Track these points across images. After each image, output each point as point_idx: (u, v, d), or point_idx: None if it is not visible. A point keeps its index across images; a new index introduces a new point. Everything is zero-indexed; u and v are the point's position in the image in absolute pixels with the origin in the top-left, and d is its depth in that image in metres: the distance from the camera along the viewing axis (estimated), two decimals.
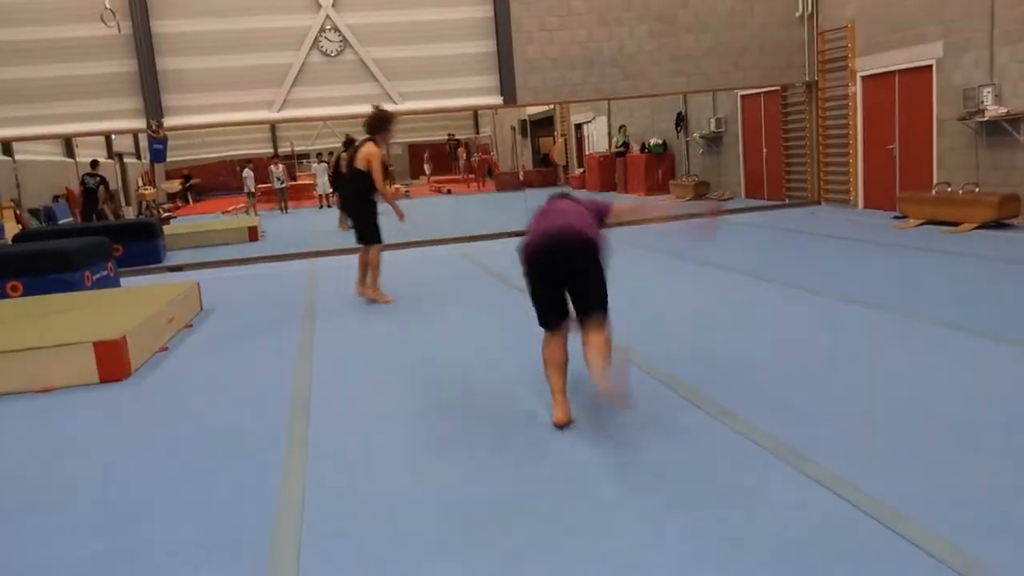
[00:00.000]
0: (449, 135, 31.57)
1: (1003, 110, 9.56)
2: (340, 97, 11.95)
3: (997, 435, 3.31)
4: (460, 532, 2.80)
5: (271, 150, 32.08)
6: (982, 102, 9.77)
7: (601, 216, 3.95)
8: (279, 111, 11.97)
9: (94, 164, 17.45)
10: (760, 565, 2.43)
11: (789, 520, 2.69)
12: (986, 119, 9.74)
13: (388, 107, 12.01)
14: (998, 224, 9.23)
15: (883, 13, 11.58)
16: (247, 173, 21.65)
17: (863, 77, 12.23)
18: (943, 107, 10.65)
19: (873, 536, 2.55)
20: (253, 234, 14.20)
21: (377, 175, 7.08)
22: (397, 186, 23.67)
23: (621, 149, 20.24)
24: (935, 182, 10.73)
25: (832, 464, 3.09)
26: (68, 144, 21.52)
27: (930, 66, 10.82)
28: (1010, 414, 3.52)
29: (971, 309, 5.47)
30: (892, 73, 11.59)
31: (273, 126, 31.74)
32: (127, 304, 6.47)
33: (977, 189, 9.84)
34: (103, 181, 16.74)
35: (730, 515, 2.76)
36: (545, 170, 26.81)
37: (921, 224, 10.00)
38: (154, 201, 23.41)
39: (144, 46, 11.17)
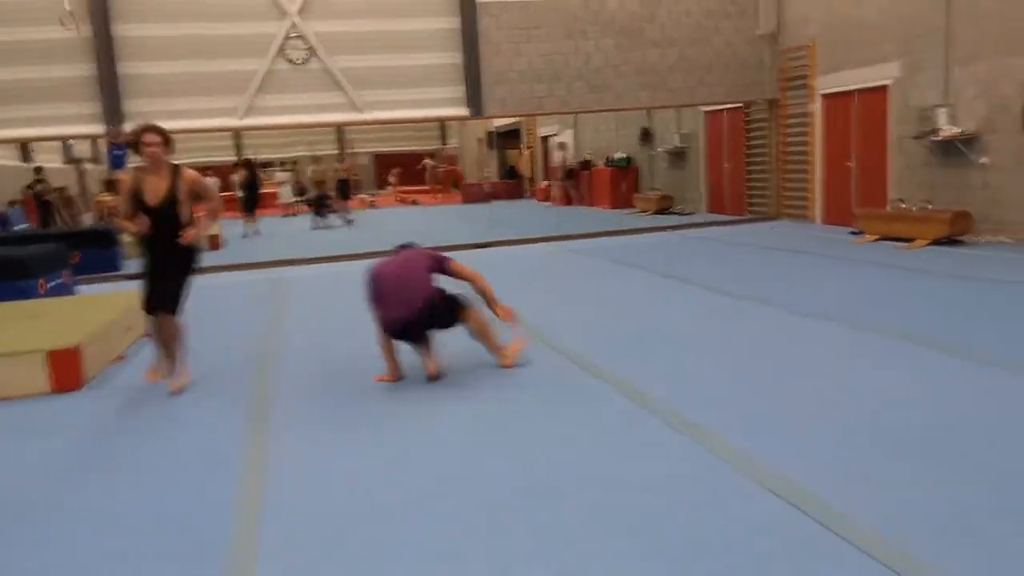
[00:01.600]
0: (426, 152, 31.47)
1: (956, 130, 9.81)
2: (306, 105, 11.90)
3: (950, 445, 3.38)
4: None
5: (234, 158, 31.74)
6: (936, 122, 10.02)
7: (440, 270, 4.92)
8: (243, 118, 11.87)
9: (37, 171, 17.41)
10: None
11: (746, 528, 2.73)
12: (940, 138, 9.99)
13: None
14: (950, 240, 9.46)
15: (843, 33, 11.85)
16: (210, 182, 20.98)
17: (823, 95, 12.49)
18: (899, 126, 10.91)
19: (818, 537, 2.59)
20: (214, 243, 14.01)
21: (121, 206, 4.92)
22: (363, 196, 23.55)
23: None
24: (890, 199, 10.98)
25: (785, 470, 3.13)
26: (24, 149, 21.07)
27: (887, 86, 11.09)
28: (958, 423, 3.61)
29: (921, 322, 5.59)
30: (851, 92, 11.86)
31: (237, 134, 31.44)
32: (82, 312, 6.34)
33: (930, 206, 10.08)
34: (39, 184, 16.80)
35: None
36: (511, 182, 26.91)
37: (877, 240, 10.22)
38: (114, 208, 22.95)
39: (104, 50, 11.01)
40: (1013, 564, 2.44)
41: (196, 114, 11.62)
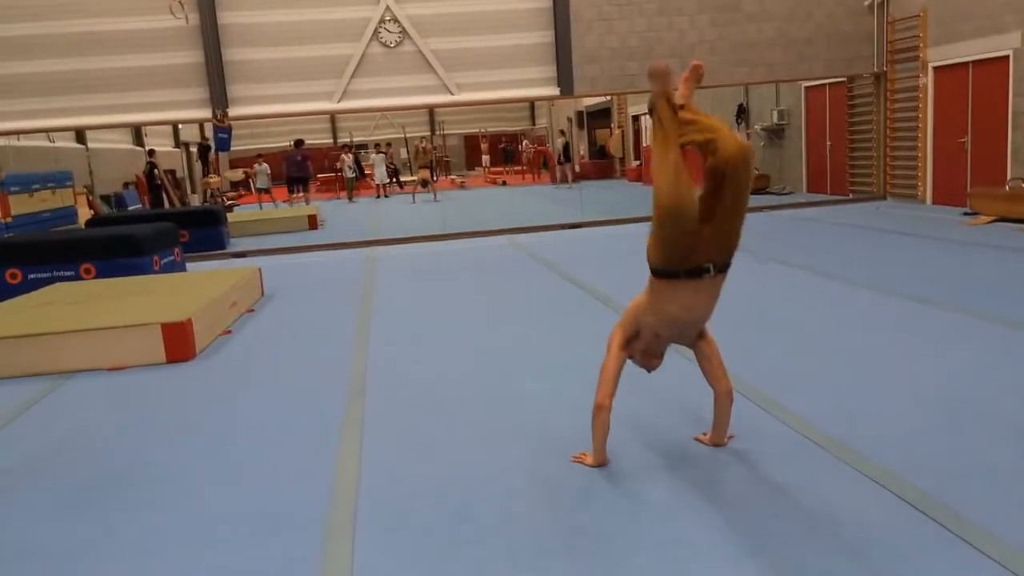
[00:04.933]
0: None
1: None
2: (399, 88, 12.07)
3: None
4: (508, 516, 2.82)
5: (331, 140, 32.61)
6: None
7: None
8: (339, 102, 12.15)
9: (150, 153, 18.31)
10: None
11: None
12: None
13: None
14: None
15: (957, 2, 11.17)
16: (261, 167, 20.83)
17: (935, 68, 11.82)
18: (1020, 99, 10.23)
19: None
20: (313, 222, 14.45)
21: None
22: (452, 177, 23.80)
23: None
24: (1009, 177, 10.32)
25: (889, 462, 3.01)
26: (137, 133, 22.20)
27: (1007, 56, 10.40)
28: None
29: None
30: (966, 64, 11.18)
31: (333, 117, 32.27)
32: (192, 288, 6.66)
33: None
34: (154, 166, 17.69)
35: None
36: (601, 162, 26.65)
37: (993, 221, 9.65)
38: (218, 189, 24.00)
39: (210, 37, 11.44)
40: None
41: (294, 98, 11.95)
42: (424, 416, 4.00)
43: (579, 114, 28.31)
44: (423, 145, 23.81)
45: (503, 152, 28.58)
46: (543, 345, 5.25)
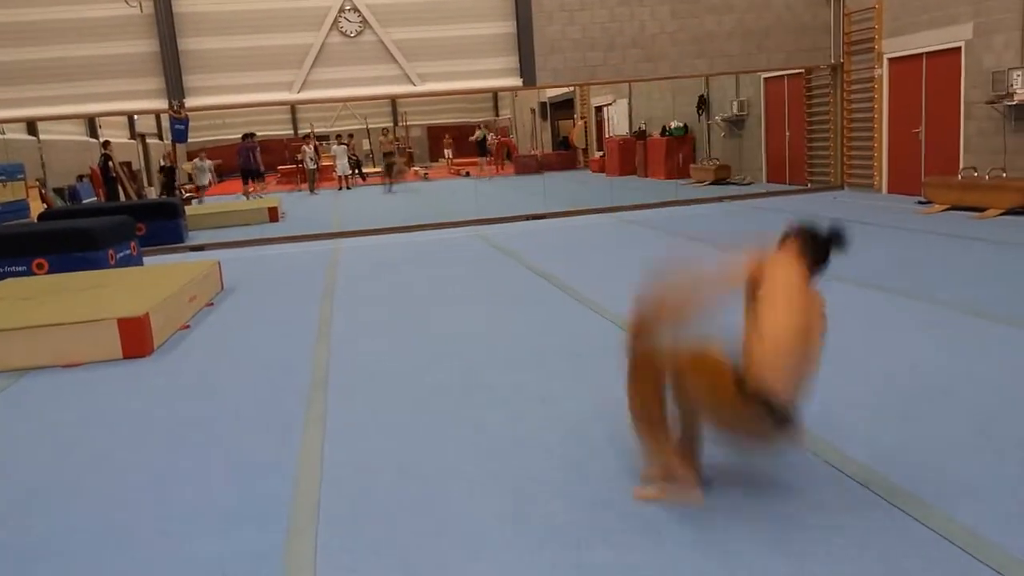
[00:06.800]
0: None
1: None
2: (360, 78, 11.95)
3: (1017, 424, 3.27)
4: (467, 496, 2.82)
5: (292, 131, 32.20)
6: (1011, 85, 9.58)
7: None
8: (299, 92, 11.99)
9: (104, 145, 17.96)
10: None
11: None
12: (1015, 103, 9.56)
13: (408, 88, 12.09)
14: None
15: None
16: (202, 163, 20.20)
17: (890, 59, 12.04)
18: (971, 90, 10.47)
19: None
20: (274, 215, 14.27)
21: None
22: (416, 168, 23.67)
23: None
24: (961, 167, 10.57)
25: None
26: (91, 124, 21.69)
27: (959, 48, 10.63)
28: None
29: (993, 294, 5.39)
30: (920, 55, 11.40)
31: (293, 108, 31.85)
32: (150, 282, 6.53)
33: (1004, 174, 9.68)
34: (108, 158, 17.36)
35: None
36: (564, 153, 26.69)
37: (946, 210, 9.87)
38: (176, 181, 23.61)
39: (165, 26, 11.21)
40: None
41: (253, 88, 11.77)
42: (388, 408, 3.99)
43: (542, 105, 28.30)
44: (386, 138, 23.75)
45: (477, 145, 28.56)
46: (507, 335, 5.26)
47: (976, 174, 10.01)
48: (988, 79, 10.01)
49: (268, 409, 4.08)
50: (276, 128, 31.31)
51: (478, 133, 26.29)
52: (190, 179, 26.18)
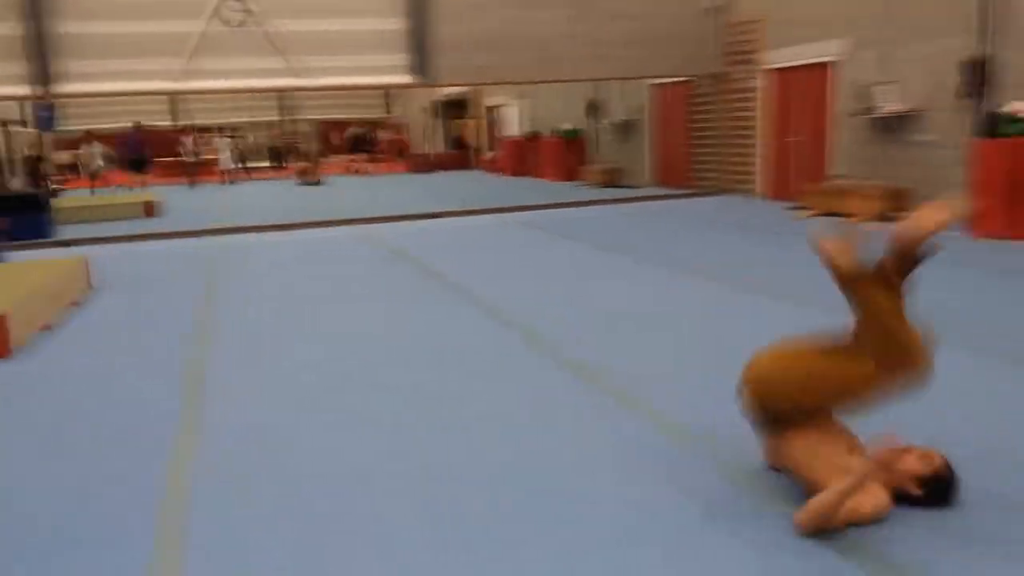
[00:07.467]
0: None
1: (896, 107, 10.01)
2: (244, 70, 11.51)
3: None
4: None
5: (172, 122, 30.76)
6: (877, 99, 10.21)
7: None
8: (179, 82, 11.43)
9: None
10: None
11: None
12: (880, 115, 10.19)
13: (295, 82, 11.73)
14: (888, 217, 9.67)
15: (790, 9, 11.95)
16: (94, 148, 19.59)
17: (769, 71, 12.60)
18: (841, 102, 11.09)
19: None
20: (151, 209, 13.57)
21: None
22: (304, 164, 23.04)
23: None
24: (831, 175, 11.17)
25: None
26: None
27: (831, 62, 11.24)
28: None
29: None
30: (796, 68, 11.99)
31: (174, 98, 30.42)
32: (9, 280, 6.05)
33: (870, 183, 10.30)
34: None
35: None
36: (457, 152, 26.65)
37: (818, 215, 10.41)
38: (43, 173, 22.14)
39: (32, 7, 10.43)
40: None
41: (130, 76, 11.15)
42: (266, 412, 3.82)
43: (435, 104, 28.15)
44: (272, 133, 23.14)
45: (352, 142, 28.07)
46: (400, 334, 5.17)
47: (845, 182, 10.61)
48: (857, 92, 10.62)
49: (137, 415, 3.83)
50: (155, 119, 29.81)
51: (351, 130, 26.10)
52: (67, 169, 24.58)
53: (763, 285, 6.15)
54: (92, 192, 18.21)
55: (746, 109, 13.19)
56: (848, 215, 9.91)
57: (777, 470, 2.82)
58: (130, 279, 7.74)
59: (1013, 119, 8.06)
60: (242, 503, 2.87)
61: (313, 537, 2.60)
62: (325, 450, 3.34)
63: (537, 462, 3.12)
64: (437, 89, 25.53)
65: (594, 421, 3.53)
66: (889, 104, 10.08)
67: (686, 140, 14.88)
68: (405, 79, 12.25)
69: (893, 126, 10.18)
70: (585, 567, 2.36)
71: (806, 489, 2.55)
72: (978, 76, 8.86)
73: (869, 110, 10.33)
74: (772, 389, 2.67)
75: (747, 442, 2.93)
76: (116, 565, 2.48)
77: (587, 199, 13.75)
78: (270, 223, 11.66)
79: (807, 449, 2.57)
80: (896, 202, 9.67)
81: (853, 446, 2.58)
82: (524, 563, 2.40)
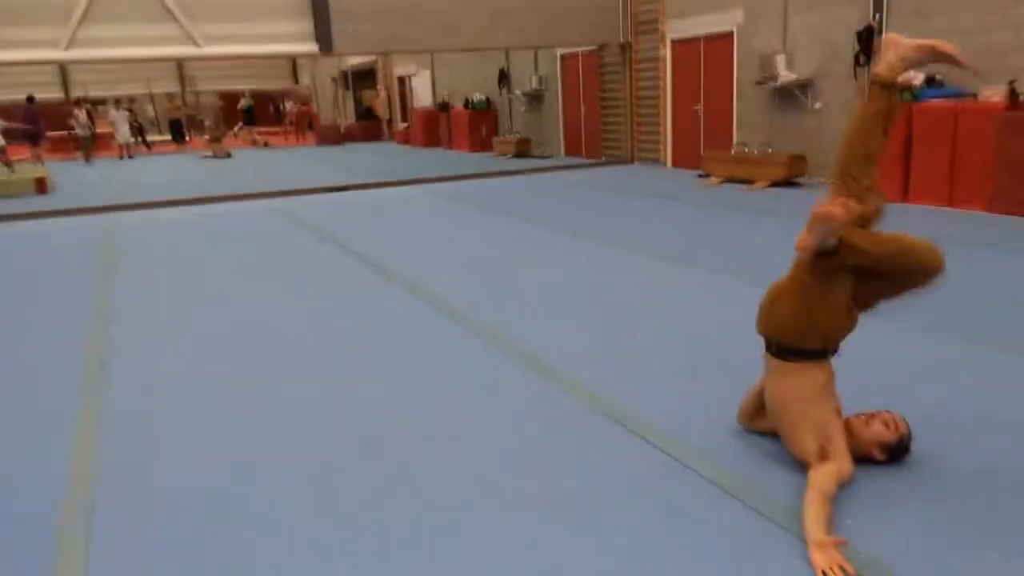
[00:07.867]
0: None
1: (793, 76, 10.34)
2: (137, 37, 10.97)
3: None
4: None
5: (62, 94, 29.06)
6: (775, 68, 10.52)
7: None
8: (66, 50, 10.81)
9: None
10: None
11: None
12: (779, 84, 10.51)
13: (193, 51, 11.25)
14: (788, 182, 10.04)
15: None
16: None
17: (673, 40, 12.80)
18: (743, 71, 11.38)
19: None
20: (42, 186, 12.86)
21: None
22: (205, 137, 22.19)
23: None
24: (734, 142, 11.50)
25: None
26: None
27: (732, 32, 11.51)
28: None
29: (742, 259, 5.93)
30: (699, 38, 12.22)
31: (63, 68, 28.73)
32: None
33: (770, 150, 10.65)
34: None
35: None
36: (368, 124, 26.17)
37: (722, 182, 10.71)
38: None
39: None
40: None
41: (13, 45, 10.48)
42: (171, 402, 3.71)
43: (344, 74, 27.50)
44: (172, 104, 22.10)
45: (243, 113, 26.98)
46: (303, 316, 5.08)
47: (746, 150, 10.93)
48: (757, 61, 10.92)
49: (29, 407, 3.67)
50: (43, 90, 28.08)
51: (243, 101, 25.28)
52: None
53: (662, 249, 6.31)
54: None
55: (653, 79, 13.39)
56: (750, 182, 10.24)
57: (754, 431, 2.91)
58: (19, 260, 7.35)
59: (902, 88, 8.45)
60: (140, 505, 2.79)
61: (186, 545, 2.56)
62: (214, 442, 3.28)
63: (449, 428, 3.15)
64: (345, 59, 24.94)
65: (492, 379, 3.57)
66: (787, 73, 10.40)
67: (595, 110, 15.01)
68: (306, 48, 11.91)
69: (792, 94, 10.53)
70: (506, 535, 2.41)
71: (783, 438, 2.68)
72: (871, 45, 9.23)
73: (769, 79, 10.64)
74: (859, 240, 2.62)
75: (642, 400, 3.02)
76: (15, 561, 2.38)
77: (499, 170, 13.75)
78: (170, 199, 11.22)
79: (803, 397, 2.59)
80: (793, 168, 10.04)
81: (839, 410, 2.65)
82: (441, 532, 2.43)
